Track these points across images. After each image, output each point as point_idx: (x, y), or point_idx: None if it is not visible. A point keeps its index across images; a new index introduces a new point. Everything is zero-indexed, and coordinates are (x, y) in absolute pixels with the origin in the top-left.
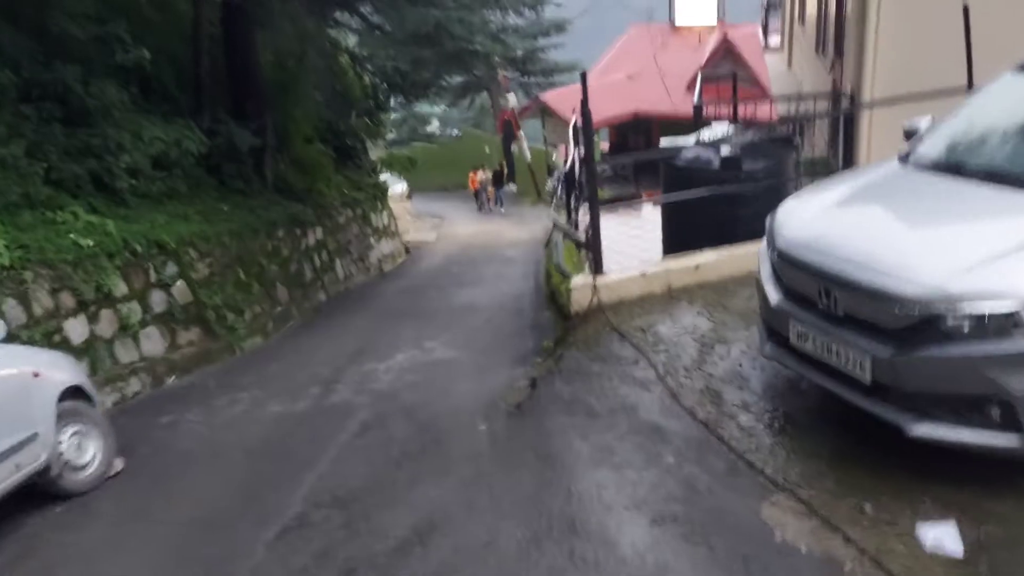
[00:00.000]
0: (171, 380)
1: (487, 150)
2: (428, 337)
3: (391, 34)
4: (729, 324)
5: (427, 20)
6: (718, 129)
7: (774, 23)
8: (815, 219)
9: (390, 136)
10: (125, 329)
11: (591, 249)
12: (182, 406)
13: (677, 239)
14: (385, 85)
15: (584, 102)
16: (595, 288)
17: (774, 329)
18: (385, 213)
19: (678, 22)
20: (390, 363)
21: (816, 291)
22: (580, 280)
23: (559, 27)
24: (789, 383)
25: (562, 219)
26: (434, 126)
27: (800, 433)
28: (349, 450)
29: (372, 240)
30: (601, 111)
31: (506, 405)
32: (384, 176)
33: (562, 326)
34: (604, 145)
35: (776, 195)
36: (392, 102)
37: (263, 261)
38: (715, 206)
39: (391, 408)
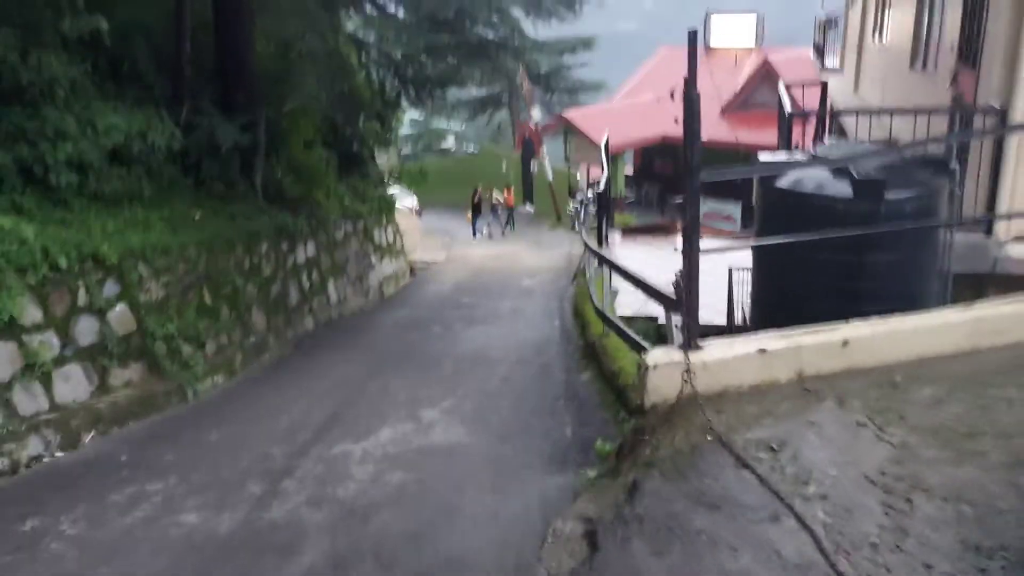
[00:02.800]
0: (89, 438)
1: (504, 167)
2: (427, 401)
3: (401, 18)
4: (920, 452)
5: (447, 2)
6: (840, 144)
7: (832, 43)
8: None
9: (404, 152)
10: (31, 368)
11: (684, 309)
12: (66, 498)
13: (777, 299)
14: (395, 80)
15: (691, 75)
16: (689, 371)
17: None
18: (391, 229)
19: (713, 44)
20: (370, 445)
21: None
22: (662, 355)
23: (586, 44)
24: None
25: (594, 243)
26: (450, 142)
27: None
28: None
29: (373, 259)
30: (626, 132)
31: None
32: (393, 189)
33: (628, 423)
34: (628, 168)
35: (928, 241)
36: (403, 101)
37: (238, 280)
38: (840, 253)
39: (357, 545)
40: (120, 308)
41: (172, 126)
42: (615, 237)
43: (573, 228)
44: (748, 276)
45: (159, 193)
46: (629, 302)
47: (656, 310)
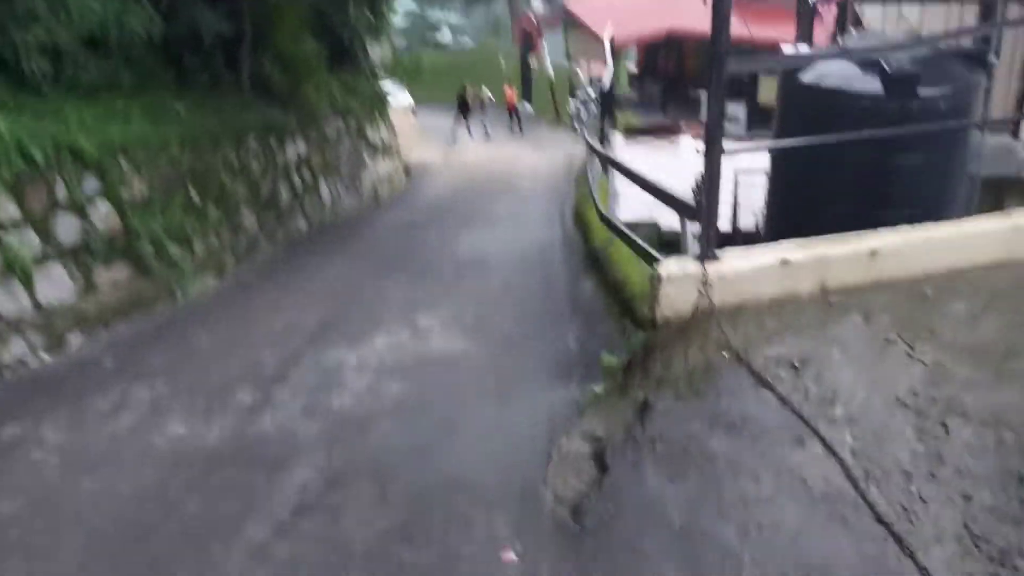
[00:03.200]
0: (75, 341)
1: (503, 63)
2: (424, 305)
3: None
4: (955, 372)
5: None
6: (868, 36)
7: None
8: None
9: (397, 45)
10: (11, 267)
11: (703, 217)
12: (48, 404)
13: (795, 204)
14: None
15: None
16: (705, 283)
17: None
18: (385, 127)
19: None
20: (366, 353)
21: None
22: (676, 266)
23: None
24: None
25: (597, 144)
26: (445, 36)
27: None
28: None
29: (367, 158)
30: (630, 27)
31: (553, 500)
32: (386, 85)
33: (635, 336)
34: (631, 66)
35: (959, 142)
36: None
37: (225, 178)
38: (867, 154)
39: (354, 460)
40: (102, 205)
41: (150, 10)
42: (617, 138)
43: (573, 128)
44: (755, 180)
45: (139, 85)
46: (631, 207)
47: (661, 216)
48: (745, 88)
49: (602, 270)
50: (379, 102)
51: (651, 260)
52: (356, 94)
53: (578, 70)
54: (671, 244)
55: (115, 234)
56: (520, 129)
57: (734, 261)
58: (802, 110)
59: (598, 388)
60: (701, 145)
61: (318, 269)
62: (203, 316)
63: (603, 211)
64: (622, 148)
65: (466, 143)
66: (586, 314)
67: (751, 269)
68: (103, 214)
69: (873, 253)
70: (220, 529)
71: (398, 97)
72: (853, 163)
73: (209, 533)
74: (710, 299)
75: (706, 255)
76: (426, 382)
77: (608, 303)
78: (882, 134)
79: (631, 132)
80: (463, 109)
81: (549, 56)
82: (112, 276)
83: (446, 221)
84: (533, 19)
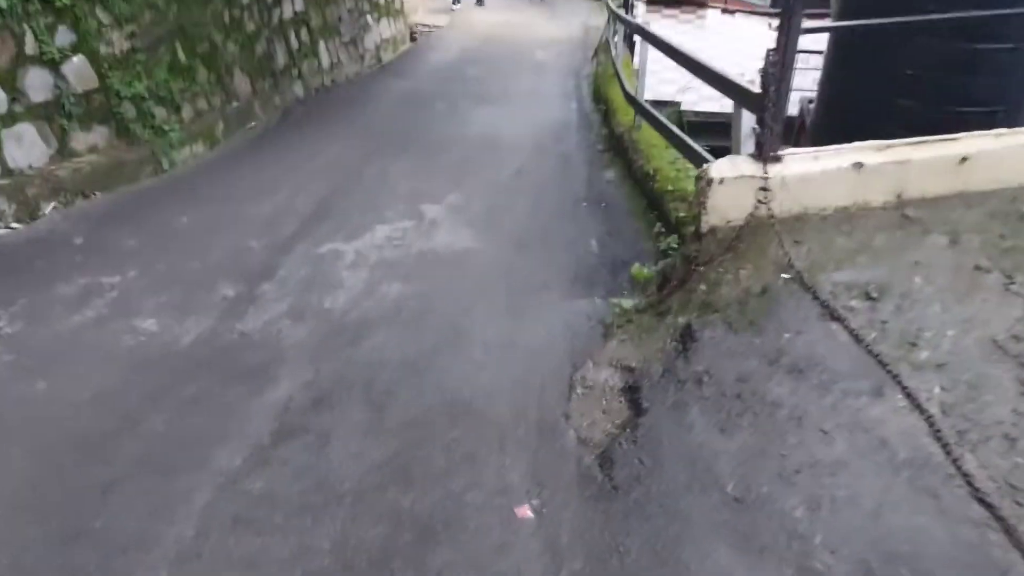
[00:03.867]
0: (50, 208)
1: None
2: (429, 194)
3: None
4: None
5: None
6: None
7: None
8: None
9: None
10: None
11: (770, 108)
12: (6, 287)
13: (856, 97)
14: None
15: None
16: (766, 188)
17: None
18: None
19: None
20: (364, 245)
21: None
22: (728, 166)
23: None
24: None
25: (625, 14)
26: None
27: None
28: (222, 536)
29: (370, 19)
30: None
31: (577, 442)
32: None
33: (666, 239)
34: None
35: None
36: None
37: (216, 35)
38: (947, 40)
39: (345, 374)
40: (77, 60)
41: None
42: (640, 8)
43: None
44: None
45: None
46: (654, 86)
47: (685, 98)
48: None
49: (626, 158)
50: None
51: (695, 156)
52: None
53: None
54: (696, 129)
55: (92, 93)
56: None
57: (797, 163)
58: None
59: (626, 303)
60: (741, 20)
61: (316, 143)
62: (188, 191)
63: (629, 90)
64: (645, 22)
65: (472, 7)
66: (609, 209)
67: (819, 172)
68: (78, 69)
69: (964, 159)
70: (186, 452)
71: None
72: (929, 51)
73: (173, 456)
74: (769, 208)
75: (769, 155)
76: (430, 283)
77: (633, 197)
78: (969, 15)
79: (654, 3)
80: None
81: None
82: (90, 140)
83: (454, 94)
84: None
